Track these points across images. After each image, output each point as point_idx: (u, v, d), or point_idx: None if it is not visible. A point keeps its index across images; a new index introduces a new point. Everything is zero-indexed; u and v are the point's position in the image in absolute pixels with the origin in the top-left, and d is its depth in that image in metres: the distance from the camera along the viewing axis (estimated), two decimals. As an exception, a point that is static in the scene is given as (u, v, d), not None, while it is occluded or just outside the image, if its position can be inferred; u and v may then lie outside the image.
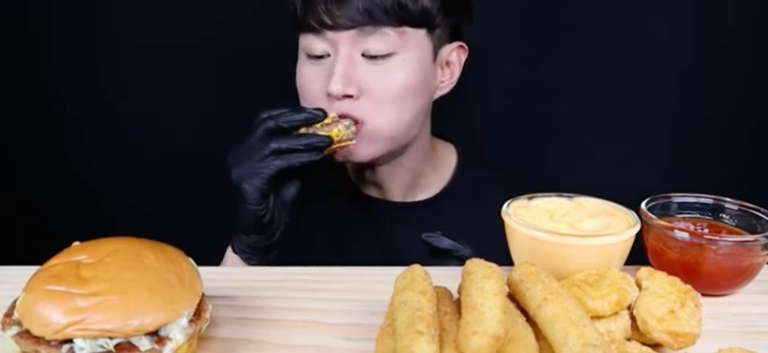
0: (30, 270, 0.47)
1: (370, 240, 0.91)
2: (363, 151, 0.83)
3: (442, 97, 0.90)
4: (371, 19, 0.77)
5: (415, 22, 0.80)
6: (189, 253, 0.53)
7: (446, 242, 0.71)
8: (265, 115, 0.75)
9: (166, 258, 0.48)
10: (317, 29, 0.79)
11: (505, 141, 1.25)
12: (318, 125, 0.75)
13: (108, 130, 1.29)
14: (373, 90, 0.80)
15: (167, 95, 1.26)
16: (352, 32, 0.78)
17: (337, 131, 0.75)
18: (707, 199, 0.68)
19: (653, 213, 0.64)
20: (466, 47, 0.88)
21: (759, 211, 0.64)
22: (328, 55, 0.81)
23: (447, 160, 0.97)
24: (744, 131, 1.27)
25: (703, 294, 0.56)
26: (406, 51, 0.80)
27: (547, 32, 1.23)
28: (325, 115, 0.76)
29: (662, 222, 0.62)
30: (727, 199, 0.67)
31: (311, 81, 0.82)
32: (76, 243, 0.50)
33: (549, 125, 1.27)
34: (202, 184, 1.23)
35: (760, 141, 1.27)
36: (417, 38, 0.81)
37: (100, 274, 0.45)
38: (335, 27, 0.78)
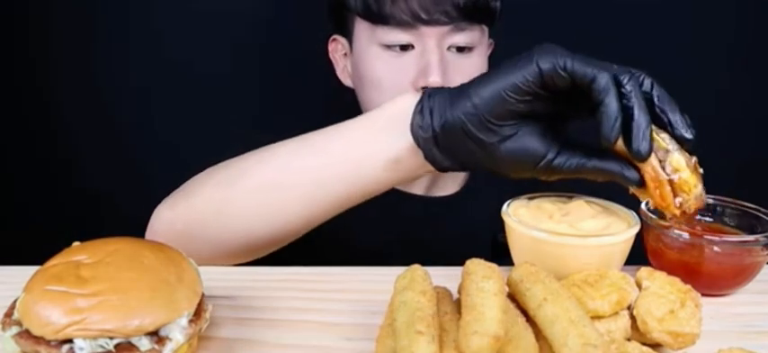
0: (30, 270, 0.47)
1: (392, 231, 0.91)
2: None
3: None
4: (465, 17, 0.79)
5: (490, 21, 0.84)
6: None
7: None
8: None
9: (166, 258, 0.48)
10: (408, 22, 0.79)
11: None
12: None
13: (108, 131, 1.29)
14: (455, 84, 0.81)
15: (167, 96, 1.26)
16: (445, 28, 0.79)
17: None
18: (707, 199, 0.68)
19: (653, 213, 0.64)
20: (492, 42, 0.91)
21: (759, 211, 0.64)
22: (412, 47, 0.81)
23: None
24: (744, 132, 1.27)
25: (703, 294, 0.56)
26: (479, 48, 0.84)
27: (549, 32, 1.23)
28: None
29: (662, 222, 0.62)
30: (728, 199, 0.67)
31: (396, 72, 0.81)
32: (76, 243, 0.50)
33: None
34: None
35: (760, 142, 1.27)
36: (485, 35, 0.85)
37: (100, 274, 0.45)
38: (430, 22, 0.78)
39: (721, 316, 0.58)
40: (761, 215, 0.64)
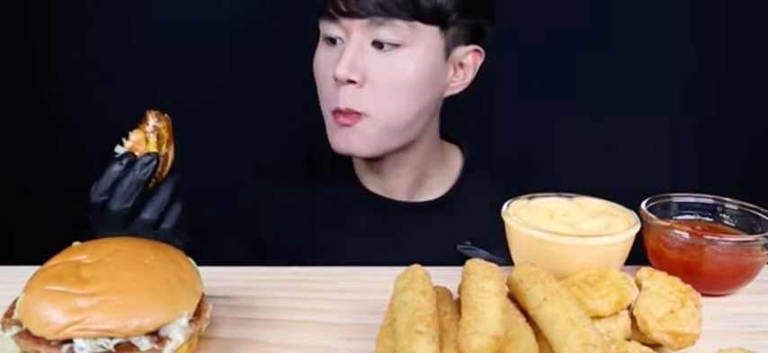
0: (30, 270, 0.47)
1: (373, 238, 0.91)
2: (361, 143, 0.83)
3: (447, 97, 0.90)
4: (384, 10, 0.78)
5: (426, 19, 0.80)
6: (189, 253, 0.53)
7: (482, 254, 0.71)
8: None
9: (166, 258, 0.48)
10: (333, 15, 0.81)
11: (508, 142, 1.25)
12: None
13: (107, 130, 1.28)
14: (377, 79, 0.81)
15: (165, 95, 1.25)
16: (364, 21, 0.79)
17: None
18: (707, 199, 0.68)
19: (653, 213, 0.64)
20: (482, 51, 0.88)
21: (759, 211, 0.64)
22: (341, 41, 0.82)
23: (453, 162, 0.97)
24: (744, 132, 1.27)
25: (703, 294, 0.56)
26: (414, 46, 0.81)
27: (549, 34, 1.23)
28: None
29: (662, 222, 0.62)
30: (728, 199, 0.67)
31: (324, 65, 0.84)
32: (76, 243, 0.50)
33: (551, 126, 1.27)
34: (202, 184, 1.23)
35: (760, 142, 1.27)
36: (428, 34, 0.82)
37: (100, 274, 0.45)
38: (349, 14, 0.79)
39: (721, 316, 0.58)
40: (761, 215, 0.64)
